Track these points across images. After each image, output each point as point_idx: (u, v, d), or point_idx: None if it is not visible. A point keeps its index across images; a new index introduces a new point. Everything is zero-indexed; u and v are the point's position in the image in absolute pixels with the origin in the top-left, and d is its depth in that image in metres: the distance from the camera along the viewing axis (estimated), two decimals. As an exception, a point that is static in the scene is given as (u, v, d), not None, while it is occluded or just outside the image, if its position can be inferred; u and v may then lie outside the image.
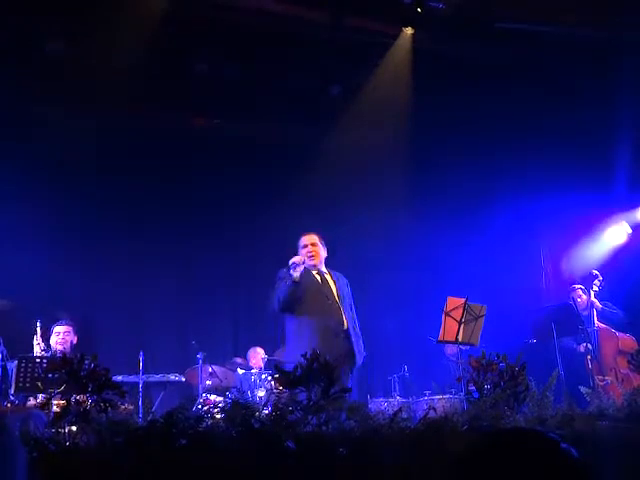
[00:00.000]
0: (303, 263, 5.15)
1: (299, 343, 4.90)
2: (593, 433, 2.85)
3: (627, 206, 7.87)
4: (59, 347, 5.76)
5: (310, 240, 5.40)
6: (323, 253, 5.42)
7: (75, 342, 5.89)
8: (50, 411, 3.51)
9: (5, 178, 6.61)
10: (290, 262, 5.11)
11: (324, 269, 5.40)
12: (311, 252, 5.32)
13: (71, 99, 6.80)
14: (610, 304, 6.91)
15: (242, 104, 7.59)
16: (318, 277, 5.31)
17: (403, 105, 7.43)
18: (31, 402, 4.96)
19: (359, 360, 5.12)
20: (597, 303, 6.78)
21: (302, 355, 4.37)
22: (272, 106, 7.63)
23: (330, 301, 5.20)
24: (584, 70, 7.36)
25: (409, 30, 7.01)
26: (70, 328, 5.95)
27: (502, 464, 1.25)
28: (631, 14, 6.67)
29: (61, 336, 5.88)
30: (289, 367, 4.48)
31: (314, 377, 2.85)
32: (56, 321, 6.03)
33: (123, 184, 7.49)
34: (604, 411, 3.23)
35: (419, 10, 6.68)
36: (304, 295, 5.14)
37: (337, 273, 5.47)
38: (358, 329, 5.24)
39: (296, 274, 5.05)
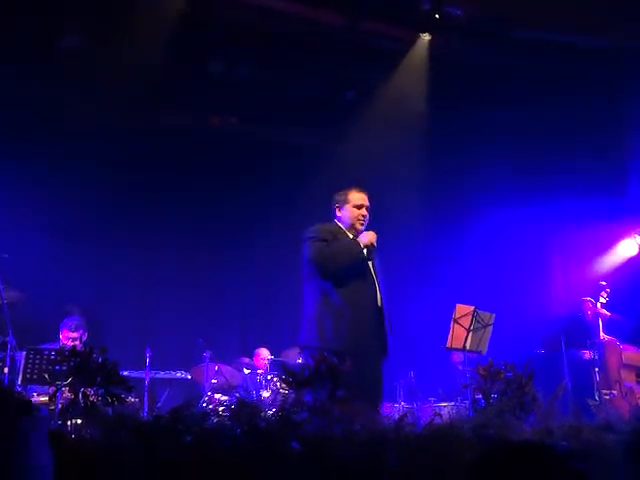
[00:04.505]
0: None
1: (324, 322, 4.07)
2: (600, 446, 2.83)
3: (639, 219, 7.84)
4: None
5: (365, 201, 4.34)
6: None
7: (85, 338, 5.89)
8: (56, 404, 3.53)
9: (20, 173, 6.68)
10: (367, 240, 4.19)
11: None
12: (365, 215, 4.29)
13: (87, 99, 6.85)
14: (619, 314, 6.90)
15: (257, 106, 7.64)
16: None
17: (419, 110, 7.43)
18: (35, 399, 4.96)
19: (389, 348, 4.21)
20: (605, 312, 6.75)
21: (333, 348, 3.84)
22: (287, 108, 7.66)
23: (366, 271, 4.21)
24: (598, 80, 7.35)
25: (426, 36, 7.02)
26: (81, 331, 5.90)
27: (510, 475, 1.26)
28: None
29: (70, 341, 5.83)
30: (308, 354, 4.20)
31: (321, 378, 2.86)
32: (66, 315, 6.04)
33: (136, 182, 7.54)
34: (611, 424, 3.21)
35: (437, 16, 6.69)
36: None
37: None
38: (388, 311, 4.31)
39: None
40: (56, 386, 3.18)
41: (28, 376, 4.53)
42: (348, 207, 4.31)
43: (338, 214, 4.37)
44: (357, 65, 7.36)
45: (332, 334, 4.06)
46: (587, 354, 6.58)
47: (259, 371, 6.87)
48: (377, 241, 4.41)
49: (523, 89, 7.39)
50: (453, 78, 7.27)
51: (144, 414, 5.11)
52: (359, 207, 4.29)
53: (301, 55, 7.18)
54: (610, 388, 6.35)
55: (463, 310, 5.57)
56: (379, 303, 4.20)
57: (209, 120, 8.11)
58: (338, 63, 7.31)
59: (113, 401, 2.72)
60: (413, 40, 7.13)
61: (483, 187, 7.87)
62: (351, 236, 4.31)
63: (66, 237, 7.07)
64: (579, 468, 1.29)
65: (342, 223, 4.34)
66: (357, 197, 4.32)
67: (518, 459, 1.31)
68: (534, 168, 7.72)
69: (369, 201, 4.38)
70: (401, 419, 2.80)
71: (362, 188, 4.40)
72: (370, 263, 4.28)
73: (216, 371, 6.69)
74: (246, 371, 6.93)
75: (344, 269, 4.10)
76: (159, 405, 6.19)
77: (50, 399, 3.42)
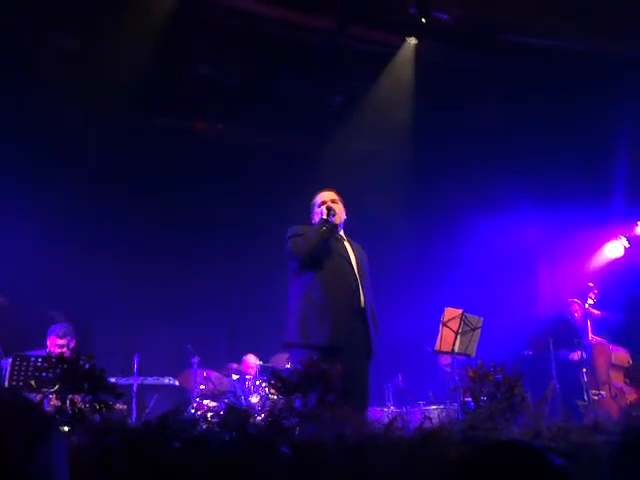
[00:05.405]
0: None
1: (307, 319, 4.16)
2: (588, 446, 2.84)
3: (625, 221, 7.90)
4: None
5: (330, 196, 4.51)
6: (343, 214, 4.50)
7: (73, 345, 5.83)
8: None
9: (5, 175, 6.62)
10: (325, 208, 4.36)
11: (343, 234, 4.51)
12: (334, 209, 4.37)
13: (72, 100, 6.81)
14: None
15: (243, 111, 7.62)
16: (335, 242, 4.39)
17: (405, 115, 7.45)
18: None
19: (375, 349, 4.27)
20: (595, 311, 6.79)
21: (311, 345, 4.00)
22: (273, 113, 7.65)
23: (349, 271, 4.30)
24: (584, 85, 7.40)
25: (413, 40, 7.03)
26: (69, 337, 5.84)
27: (492, 477, 1.26)
28: (632, 28, 6.71)
29: (58, 349, 5.74)
30: (295, 354, 4.27)
31: (310, 383, 2.85)
32: (52, 322, 5.99)
33: (123, 186, 7.49)
34: (599, 425, 3.22)
35: (424, 21, 6.71)
36: (323, 257, 4.26)
37: (356, 243, 4.53)
38: (374, 313, 4.37)
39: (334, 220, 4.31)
40: (43, 393, 3.14)
41: (14, 383, 4.48)
42: (316, 209, 4.52)
43: (314, 220, 4.56)
44: (344, 70, 7.37)
45: (315, 331, 4.13)
46: (575, 355, 6.61)
47: (247, 377, 6.85)
48: (364, 244, 4.51)
49: (510, 93, 7.42)
50: (439, 82, 7.30)
51: (132, 420, 5.07)
52: (322, 204, 4.47)
53: (288, 60, 7.18)
54: (599, 389, 6.38)
55: (451, 313, 5.58)
56: (362, 304, 4.26)
57: (195, 125, 8.08)
58: (325, 68, 7.31)
59: (101, 408, 2.69)
60: (400, 44, 7.15)
61: (470, 190, 7.89)
62: None
63: (53, 243, 7.01)
64: (562, 466, 1.29)
65: None
66: (319, 197, 4.54)
67: (499, 459, 1.31)
68: (521, 171, 7.76)
69: (340, 195, 4.57)
70: (390, 423, 2.79)
71: (326, 188, 4.62)
72: (356, 266, 4.34)
73: (204, 377, 6.66)
74: (234, 377, 6.90)
75: (315, 245, 4.23)
76: (147, 411, 6.15)
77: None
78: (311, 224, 4.52)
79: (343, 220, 4.52)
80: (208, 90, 7.36)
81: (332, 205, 4.42)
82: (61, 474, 1.07)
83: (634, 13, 6.42)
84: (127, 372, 6.09)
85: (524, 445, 1.35)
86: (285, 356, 6.34)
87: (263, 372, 6.82)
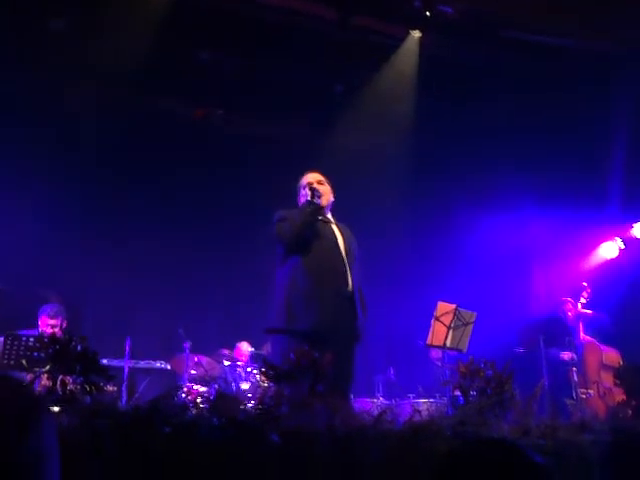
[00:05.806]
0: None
1: (292, 304, 4.10)
2: (575, 445, 2.86)
3: (620, 222, 7.91)
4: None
5: (315, 178, 4.43)
6: (330, 196, 4.42)
7: (65, 326, 5.82)
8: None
9: (1, 159, 6.59)
10: (309, 190, 4.28)
11: (330, 217, 4.44)
12: (319, 190, 4.30)
13: (71, 83, 6.76)
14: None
15: (244, 99, 7.58)
16: (323, 226, 4.34)
17: (407, 107, 7.44)
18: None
19: (361, 334, 4.21)
20: (587, 311, 6.82)
21: (296, 330, 4.03)
22: (274, 102, 7.61)
23: (336, 254, 4.24)
24: (582, 84, 7.39)
25: (417, 33, 7.01)
26: (60, 318, 5.82)
27: (477, 475, 1.27)
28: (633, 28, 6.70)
29: (50, 329, 5.72)
30: (276, 340, 4.24)
31: (301, 372, 2.86)
32: (44, 302, 5.97)
33: (119, 169, 7.47)
34: (587, 423, 3.25)
35: (428, 14, 6.68)
36: (309, 240, 4.20)
37: (343, 225, 4.46)
38: (363, 296, 4.32)
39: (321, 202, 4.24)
40: (34, 373, 3.14)
41: (5, 362, 4.47)
42: (301, 192, 4.41)
43: (300, 203, 4.46)
44: (347, 60, 7.33)
45: (300, 316, 4.06)
46: (566, 354, 6.64)
47: (239, 363, 6.86)
48: (361, 235, 4.50)
49: (512, 90, 7.39)
50: (442, 76, 7.28)
51: (122, 403, 5.08)
52: (307, 186, 4.36)
53: (290, 48, 7.13)
54: (588, 388, 6.41)
55: (444, 308, 5.58)
56: (350, 287, 4.20)
57: (194, 112, 8.05)
58: (327, 57, 7.27)
59: (91, 390, 2.70)
60: (403, 37, 7.12)
61: (468, 185, 7.89)
62: None
63: (47, 224, 6.99)
64: (544, 465, 1.32)
65: None
66: (305, 178, 4.45)
67: (484, 455, 1.33)
68: (519, 168, 7.75)
69: (325, 177, 4.48)
70: (380, 415, 2.81)
71: (312, 169, 4.54)
72: (343, 249, 4.28)
73: (195, 362, 6.67)
74: (226, 363, 6.91)
75: (300, 228, 4.17)
76: (137, 395, 6.16)
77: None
78: (298, 207, 4.44)
79: (330, 202, 4.43)
80: (207, 77, 7.32)
81: (318, 186, 4.33)
82: (51, 454, 1.07)
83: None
84: (118, 355, 6.09)
85: (509, 443, 1.38)
86: (277, 345, 6.34)
87: (255, 359, 6.83)
